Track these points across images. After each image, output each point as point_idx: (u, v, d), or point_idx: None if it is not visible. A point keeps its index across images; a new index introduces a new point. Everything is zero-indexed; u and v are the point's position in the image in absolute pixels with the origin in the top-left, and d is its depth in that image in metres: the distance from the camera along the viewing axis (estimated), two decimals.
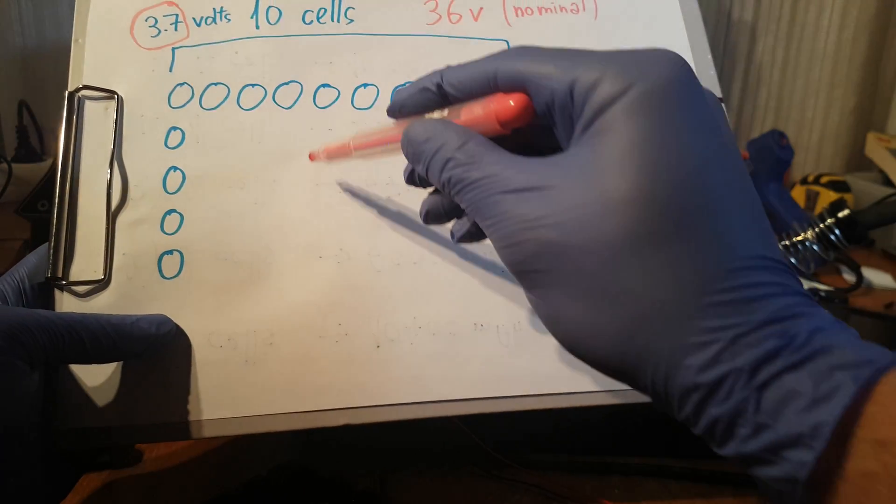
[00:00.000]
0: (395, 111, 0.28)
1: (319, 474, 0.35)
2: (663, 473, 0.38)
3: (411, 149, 0.26)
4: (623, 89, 0.20)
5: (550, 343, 0.33)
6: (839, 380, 0.17)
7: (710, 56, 0.41)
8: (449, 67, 0.25)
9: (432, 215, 0.28)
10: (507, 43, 0.40)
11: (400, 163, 0.27)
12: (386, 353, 0.33)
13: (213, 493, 0.34)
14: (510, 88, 0.23)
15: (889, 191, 0.80)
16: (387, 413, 0.32)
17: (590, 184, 0.20)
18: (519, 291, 0.34)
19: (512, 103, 0.22)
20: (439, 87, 0.25)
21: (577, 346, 0.21)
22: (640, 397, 0.32)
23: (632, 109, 0.20)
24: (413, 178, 0.29)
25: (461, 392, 0.32)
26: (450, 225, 0.35)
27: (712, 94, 0.22)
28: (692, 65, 0.39)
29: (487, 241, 0.35)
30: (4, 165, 0.80)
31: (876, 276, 0.70)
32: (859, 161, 1.03)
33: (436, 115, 0.26)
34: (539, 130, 0.24)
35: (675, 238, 0.19)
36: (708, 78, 0.40)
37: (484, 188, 0.22)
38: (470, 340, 0.33)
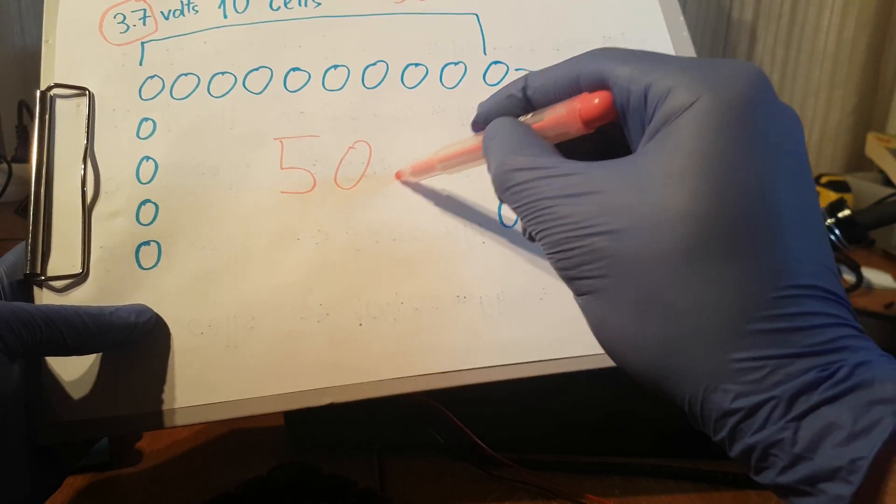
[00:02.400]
0: (480, 122, 0.28)
1: (319, 474, 0.35)
2: (663, 473, 0.38)
3: (483, 144, 0.26)
4: (693, 100, 0.20)
5: (535, 311, 0.34)
6: (878, 414, 0.17)
7: (685, 31, 0.39)
8: (532, 73, 0.25)
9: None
10: (477, 17, 0.39)
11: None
12: (369, 330, 0.33)
13: (213, 493, 0.34)
14: (593, 88, 0.23)
15: (889, 191, 0.80)
16: (372, 389, 0.32)
17: (648, 193, 0.20)
18: (500, 261, 0.35)
19: (596, 101, 0.22)
20: (524, 91, 0.25)
21: (618, 356, 0.21)
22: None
23: (699, 122, 0.19)
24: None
25: (447, 364, 0.32)
26: (427, 200, 0.36)
27: (790, 111, 0.21)
28: (668, 38, 0.38)
29: (466, 216, 0.35)
30: (4, 165, 0.80)
31: (876, 276, 0.70)
32: (859, 161, 1.03)
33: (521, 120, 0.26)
34: (619, 130, 0.23)
35: (729, 259, 0.19)
36: (682, 39, 0.39)
37: (534, 191, 0.22)
38: (453, 313, 0.33)
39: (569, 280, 0.22)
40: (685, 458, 0.39)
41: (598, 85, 0.23)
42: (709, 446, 0.41)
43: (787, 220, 0.19)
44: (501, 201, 0.24)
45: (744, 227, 0.19)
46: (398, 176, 0.36)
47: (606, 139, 0.24)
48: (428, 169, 0.33)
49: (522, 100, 0.26)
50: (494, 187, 0.25)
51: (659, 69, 0.21)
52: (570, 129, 0.24)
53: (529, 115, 0.25)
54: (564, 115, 0.23)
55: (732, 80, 0.20)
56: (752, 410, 0.18)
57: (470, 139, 0.29)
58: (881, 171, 0.89)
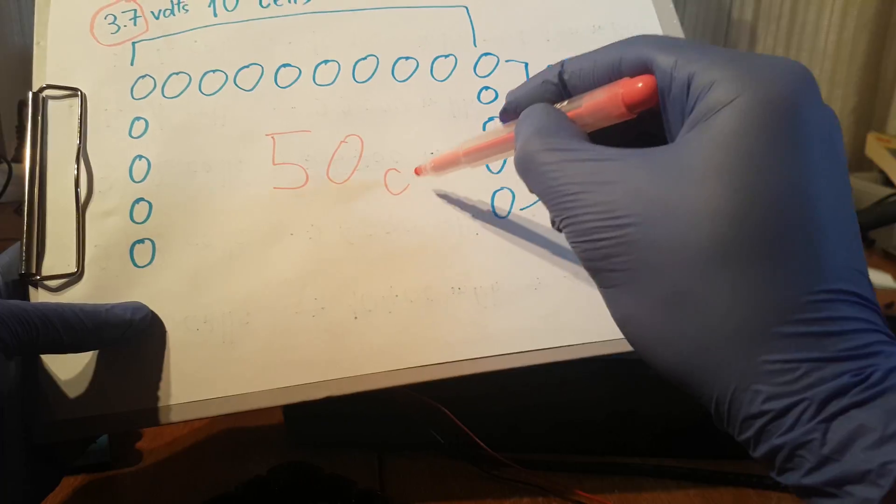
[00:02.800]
0: (510, 111, 0.27)
1: (319, 474, 0.35)
2: (663, 473, 0.38)
3: (516, 132, 0.25)
4: (737, 95, 0.19)
5: (530, 301, 0.34)
6: None
7: (675, 19, 0.39)
8: (569, 59, 0.25)
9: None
10: (467, 10, 0.39)
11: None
12: (364, 323, 0.33)
13: (213, 493, 0.34)
14: (634, 74, 0.22)
15: (889, 191, 0.80)
16: (369, 381, 0.32)
17: (685, 186, 0.19)
18: (494, 252, 0.34)
19: (640, 85, 0.22)
20: (560, 76, 0.25)
21: (645, 351, 0.21)
22: (619, 347, 0.32)
23: (741, 118, 0.19)
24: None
25: (443, 356, 0.32)
26: (420, 192, 0.35)
27: (831, 113, 0.21)
28: (659, 28, 0.37)
29: (459, 207, 0.35)
30: (4, 165, 0.80)
31: (876, 276, 0.70)
32: (859, 161, 1.03)
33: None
34: (655, 121, 0.23)
35: (764, 259, 0.18)
36: (673, 27, 0.39)
37: (562, 174, 0.22)
38: (448, 304, 0.33)
39: (595, 271, 0.21)
40: (685, 458, 0.39)
41: (640, 70, 0.22)
42: (709, 446, 0.41)
43: (825, 224, 0.19)
44: (527, 185, 0.23)
45: (781, 227, 0.19)
46: (417, 171, 0.35)
47: (640, 130, 0.24)
48: (451, 163, 0.32)
49: (558, 86, 0.25)
50: (517, 169, 0.24)
51: (704, 59, 0.21)
52: (610, 114, 0.23)
53: (565, 102, 0.25)
54: (605, 100, 0.23)
55: (779, 77, 0.19)
56: (783, 412, 0.18)
57: (499, 130, 0.28)
58: (881, 171, 0.89)
